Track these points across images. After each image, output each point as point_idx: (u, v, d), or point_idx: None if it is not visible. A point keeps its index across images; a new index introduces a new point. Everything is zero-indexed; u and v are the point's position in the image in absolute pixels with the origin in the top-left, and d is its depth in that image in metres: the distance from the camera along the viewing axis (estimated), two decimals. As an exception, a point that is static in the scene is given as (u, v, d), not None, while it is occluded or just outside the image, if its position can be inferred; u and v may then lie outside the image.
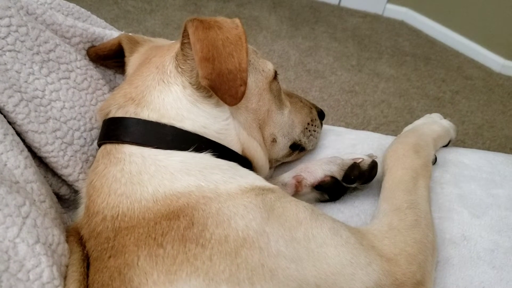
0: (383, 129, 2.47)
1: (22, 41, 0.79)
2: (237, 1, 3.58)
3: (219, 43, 0.72)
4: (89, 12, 1.15)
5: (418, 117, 2.59)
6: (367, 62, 3.06)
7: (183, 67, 0.76)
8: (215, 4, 3.48)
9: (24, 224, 0.57)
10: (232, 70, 0.72)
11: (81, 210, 0.76)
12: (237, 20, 0.78)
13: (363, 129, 2.45)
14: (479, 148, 2.46)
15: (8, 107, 0.73)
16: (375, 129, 2.46)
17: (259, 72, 0.86)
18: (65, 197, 0.84)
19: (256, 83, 0.84)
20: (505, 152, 2.47)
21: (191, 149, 0.72)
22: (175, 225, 0.62)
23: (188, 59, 0.76)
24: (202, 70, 0.70)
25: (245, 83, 0.73)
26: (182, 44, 0.76)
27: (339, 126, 2.41)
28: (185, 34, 0.74)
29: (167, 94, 0.76)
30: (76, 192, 0.83)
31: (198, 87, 0.76)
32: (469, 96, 2.87)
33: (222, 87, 0.72)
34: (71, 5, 1.09)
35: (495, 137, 2.56)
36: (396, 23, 3.66)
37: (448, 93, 2.88)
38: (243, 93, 0.73)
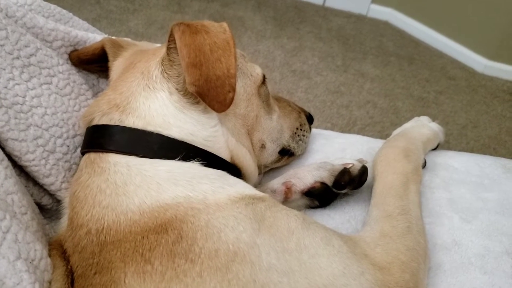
0: (369, 129, 2.47)
1: (1, 45, 0.76)
2: (221, 1, 3.55)
3: (206, 48, 0.70)
4: (71, 14, 1.12)
5: (403, 117, 2.63)
6: (352, 62, 3.07)
7: (169, 72, 0.74)
8: (198, 4, 3.44)
9: (4, 240, 0.55)
10: (220, 76, 0.70)
11: (64, 221, 0.73)
12: (224, 24, 0.75)
13: (349, 130, 2.45)
14: (463, 148, 2.48)
15: (-13, 115, 0.70)
16: (361, 130, 2.46)
17: (247, 76, 0.84)
18: (47, 207, 0.81)
19: (244, 88, 0.82)
20: (489, 152, 2.51)
21: (178, 158, 0.70)
22: (163, 239, 0.59)
23: (175, 65, 0.74)
24: (189, 76, 0.68)
25: (233, 89, 0.71)
26: (168, 49, 0.73)
27: (325, 127, 2.43)
28: (171, 39, 0.72)
29: (153, 101, 0.73)
30: (58, 202, 0.80)
31: (185, 93, 0.74)
32: (453, 97, 2.89)
33: (210, 94, 0.69)
34: (52, 6, 1.06)
35: (479, 137, 2.58)
36: (380, 23, 3.68)
37: (432, 93, 2.89)
38: (232, 100, 0.71)
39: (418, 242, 0.76)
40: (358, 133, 2.42)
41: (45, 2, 1.06)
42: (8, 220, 0.57)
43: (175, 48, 0.71)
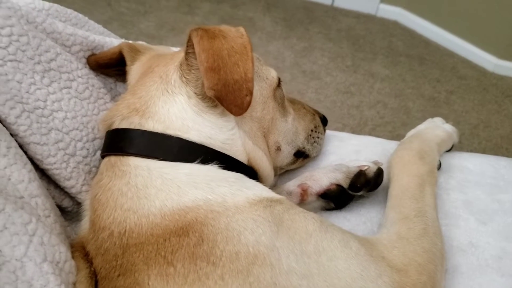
0: (380, 130, 2.47)
1: (23, 51, 0.77)
2: (231, 2, 3.56)
3: (224, 53, 0.71)
4: (86, 18, 1.13)
5: (414, 117, 2.63)
6: (362, 62, 3.06)
7: (187, 77, 0.75)
8: (209, 6, 3.46)
9: (31, 242, 0.56)
10: (238, 80, 0.70)
11: (84, 223, 0.75)
12: (241, 29, 0.76)
13: (360, 130, 2.45)
14: (475, 148, 2.47)
15: (10, 119, 0.71)
16: (372, 130, 2.46)
17: (263, 80, 0.85)
18: (67, 209, 0.82)
19: (260, 91, 0.83)
20: (501, 152, 2.49)
21: (197, 161, 0.71)
22: (185, 242, 0.60)
23: (193, 69, 0.75)
24: (208, 80, 0.69)
25: (251, 93, 0.71)
26: (187, 53, 0.74)
27: (336, 127, 2.43)
28: (190, 44, 0.73)
29: (171, 105, 0.74)
30: (78, 204, 0.81)
31: (203, 97, 0.75)
32: (464, 96, 2.88)
33: (228, 98, 0.70)
34: (69, 11, 1.07)
35: (491, 137, 2.56)
36: (389, 23, 3.67)
37: (443, 93, 2.88)
38: (249, 103, 0.72)
39: (434, 244, 0.77)
40: (369, 133, 2.42)
41: (62, 7, 1.08)
42: (34, 223, 0.58)
43: (193, 53, 0.72)
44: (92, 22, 1.15)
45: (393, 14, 3.70)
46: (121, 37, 1.21)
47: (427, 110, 2.69)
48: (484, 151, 2.43)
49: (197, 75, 0.74)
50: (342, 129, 2.42)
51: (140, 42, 0.98)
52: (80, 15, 1.12)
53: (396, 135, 2.43)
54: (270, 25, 3.34)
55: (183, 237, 0.61)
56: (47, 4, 1.03)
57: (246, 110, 0.72)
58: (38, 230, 0.58)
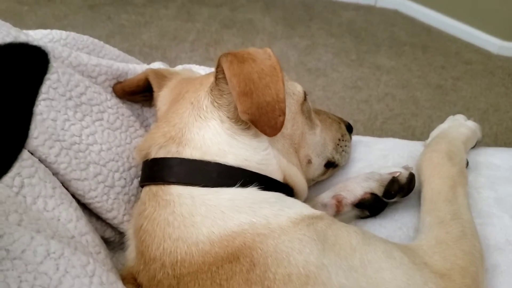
0: (391, 123, 2.48)
1: (54, 88, 0.79)
2: (229, 6, 3.57)
3: (255, 76, 0.72)
4: (102, 43, 1.14)
5: (423, 107, 2.63)
6: (366, 55, 3.07)
7: (219, 101, 0.76)
8: (207, 11, 3.46)
9: (92, 283, 0.57)
10: (270, 101, 0.71)
11: (129, 253, 0.76)
12: (268, 50, 0.78)
13: (371, 125, 2.46)
14: (486, 133, 2.47)
15: (50, 158, 0.73)
16: (383, 124, 2.47)
17: (290, 96, 0.86)
18: (110, 239, 0.84)
19: (289, 108, 0.84)
20: (512, 134, 2.49)
21: (237, 185, 0.72)
22: (237, 268, 0.62)
23: (224, 94, 0.76)
24: (241, 105, 0.70)
25: (283, 113, 0.72)
26: (217, 79, 0.75)
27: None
28: (219, 69, 0.74)
29: (206, 130, 0.75)
30: (120, 233, 0.83)
31: (236, 120, 0.76)
32: (471, 82, 2.88)
33: (262, 120, 0.71)
34: (85, 37, 1.08)
35: (501, 121, 2.57)
36: (390, 13, 3.67)
37: (449, 80, 2.88)
38: (283, 123, 0.73)
39: (473, 245, 0.78)
40: (380, 127, 2.43)
41: (78, 35, 1.09)
42: (92, 264, 0.59)
43: (224, 78, 0.73)
44: (107, 46, 1.16)
45: (392, 3, 3.70)
46: (124, 50, 1.22)
47: (435, 99, 2.70)
48: (496, 135, 2.44)
49: (229, 100, 0.75)
50: (353, 125, 2.42)
51: (164, 68, 0.99)
52: (96, 40, 1.13)
53: (407, 127, 2.44)
54: (270, 26, 3.34)
55: (235, 263, 0.62)
56: (64, 33, 1.04)
57: (280, 130, 0.73)
58: (96, 270, 0.59)
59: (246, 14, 3.46)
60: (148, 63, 1.18)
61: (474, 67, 3.02)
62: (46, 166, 0.73)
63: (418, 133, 2.40)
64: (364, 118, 2.51)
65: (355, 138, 1.11)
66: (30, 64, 0.39)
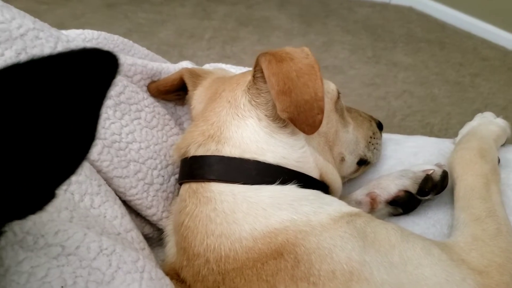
0: (409, 120, 2.47)
1: (95, 88, 0.80)
2: (245, 3, 3.57)
3: (293, 75, 0.73)
4: (131, 42, 1.16)
5: (442, 103, 2.62)
6: (383, 52, 3.06)
7: (257, 100, 0.77)
8: (224, 8, 3.47)
9: (142, 279, 0.59)
10: (309, 100, 0.72)
11: (169, 249, 0.78)
12: (306, 49, 0.78)
13: (390, 122, 2.45)
14: (506, 130, 2.45)
15: (93, 156, 0.75)
16: (401, 121, 2.46)
17: (324, 94, 0.86)
18: (148, 235, 0.86)
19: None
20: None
21: (277, 182, 0.73)
22: (282, 264, 0.63)
23: (262, 92, 0.77)
24: (280, 103, 0.71)
25: (322, 111, 0.73)
26: (255, 78, 0.77)
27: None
28: (258, 68, 0.75)
29: (244, 129, 0.76)
30: (158, 230, 0.84)
31: (273, 118, 0.77)
32: (489, 78, 2.86)
33: (300, 118, 0.72)
34: (115, 37, 1.10)
35: (521, 117, 2.55)
36: (404, 9, 3.65)
37: (467, 76, 2.87)
38: (321, 121, 0.74)
39: (510, 242, 0.78)
40: (399, 124, 2.43)
41: (109, 34, 1.10)
42: (141, 260, 0.61)
43: (262, 77, 0.74)
44: (136, 45, 1.18)
45: (407, 0, 3.68)
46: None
47: (453, 96, 2.68)
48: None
49: (267, 98, 0.76)
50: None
51: (199, 67, 1.00)
52: (126, 40, 1.14)
53: (426, 124, 2.43)
54: (286, 23, 3.34)
55: (279, 260, 0.63)
56: (95, 33, 1.05)
57: (318, 128, 0.74)
58: (146, 266, 0.61)
59: (262, 12, 3.46)
60: (169, 62, 1.19)
61: (492, 63, 3.00)
62: (90, 164, 0.74)
63: (436, 130, 2.39)
64: (382, 115, 2.50)
65: (385, 135, 1.12)
66: (103, 68, 0.40)
